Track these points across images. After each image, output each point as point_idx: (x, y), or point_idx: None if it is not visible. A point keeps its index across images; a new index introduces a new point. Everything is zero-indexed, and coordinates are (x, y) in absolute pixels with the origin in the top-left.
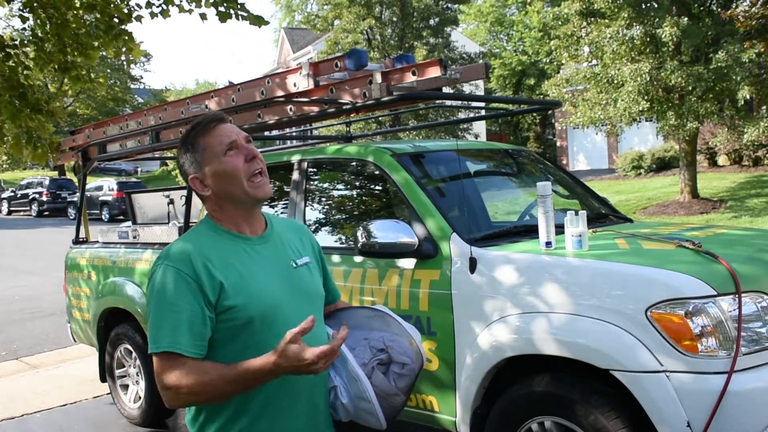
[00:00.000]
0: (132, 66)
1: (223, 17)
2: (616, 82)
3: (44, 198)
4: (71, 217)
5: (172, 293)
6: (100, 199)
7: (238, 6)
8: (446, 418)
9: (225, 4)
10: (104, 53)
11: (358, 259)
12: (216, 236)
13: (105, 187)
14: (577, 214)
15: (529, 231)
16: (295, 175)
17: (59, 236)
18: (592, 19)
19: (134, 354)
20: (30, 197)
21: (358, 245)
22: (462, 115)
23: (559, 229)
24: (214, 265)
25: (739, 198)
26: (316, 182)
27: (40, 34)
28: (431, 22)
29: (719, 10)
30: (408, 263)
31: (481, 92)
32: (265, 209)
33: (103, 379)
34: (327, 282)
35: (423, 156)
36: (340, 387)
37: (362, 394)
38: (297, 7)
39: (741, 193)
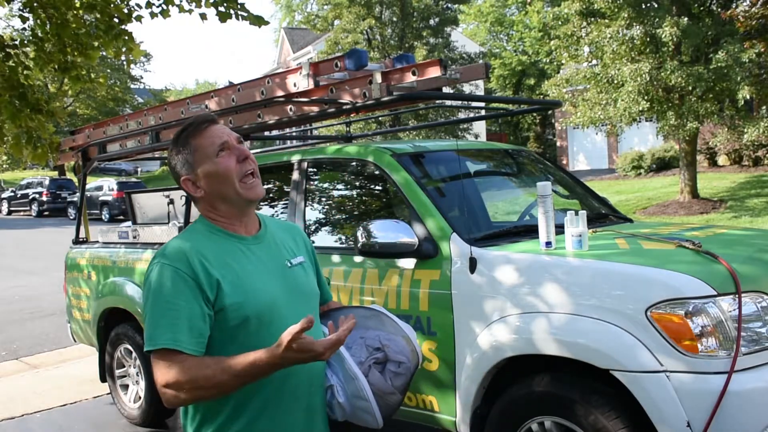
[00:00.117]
0: (132, 66)
1: (223, 17)
2: (616, 82)
3: (44, 198)
4: (71, 217)
5: (169, 291)
6: (100, 199)
7: (238, 6)
8: (446, 418)
9: (225, 4)
10: (104, 53)
11: (358, 259)
12: (211, 235)
13: (105, 187)
14: (577, 214)
15: (529, 231)
16: (295, 175)
17: (59, 236)
18: (592, 19)
19: (134, 354)
20: (30, 197)
21: (358, 245)
22: (462, 115)
23: (559, 229)
24: (211, 263)
25: (739, 198)
26: (316, 182)
27: (40, 34)
28: (431, 22)
29: (719, 10)
30: (408, 263)
31: (481, 92)
32: (265, 209)
33: (103, 379)
34: (319, 282)
35: (423, 156)
36: (336, 386)
37: (359, 393)
38: (297, 7)
39: (741, 193)
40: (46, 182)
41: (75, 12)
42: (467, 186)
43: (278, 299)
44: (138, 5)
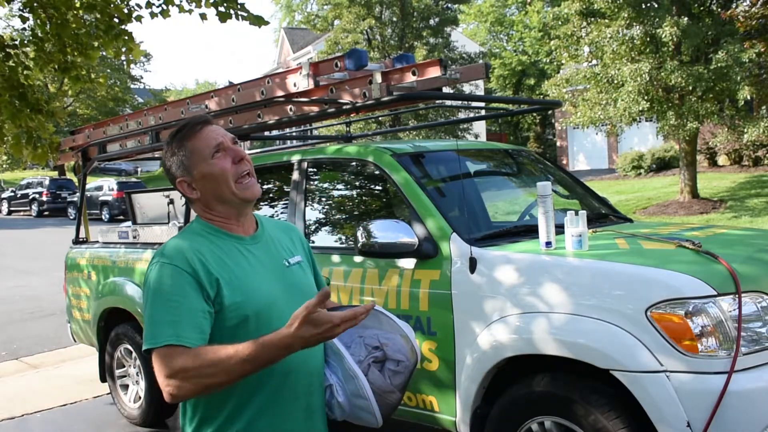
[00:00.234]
0: (132, 66)
1: (223, 17)
2: (616, 82)
3: (44, 198)
4: (71, 217)
5: (169, 288)
6: (100, 199)
7: (238, 6)
8: (446, 418)
9: (225, 4)
10: (104, 53)
11: (358, 259)
12: (209, 236)
13: (105, 187)
14: (577, 214)
15: (529, 231)
16: (295, 175)
17: (59, 236)
18: (592, 19)
19: (134, 354)
20: (30, 197)
21: (358, 245)
22: (462, 115)
23: (559, 229)
24: (210, 263)
25: (739, 198)
26: (316, 182)
27: (40, 34)
28: (431, 22)
29: (719, 10)
30: (408, 263)
31: (481, 92)
32: (265, 209)
33: (103, 379)
34: (317, 281)
35: (423, 156)
36: (335, 385)
37: (359, 392)
38: (297, 7)
39: (741, 193)
40: (46, 182)
41: (75, 12)
42: (467, 186)
43: (277, 299)
44: (138, 5)
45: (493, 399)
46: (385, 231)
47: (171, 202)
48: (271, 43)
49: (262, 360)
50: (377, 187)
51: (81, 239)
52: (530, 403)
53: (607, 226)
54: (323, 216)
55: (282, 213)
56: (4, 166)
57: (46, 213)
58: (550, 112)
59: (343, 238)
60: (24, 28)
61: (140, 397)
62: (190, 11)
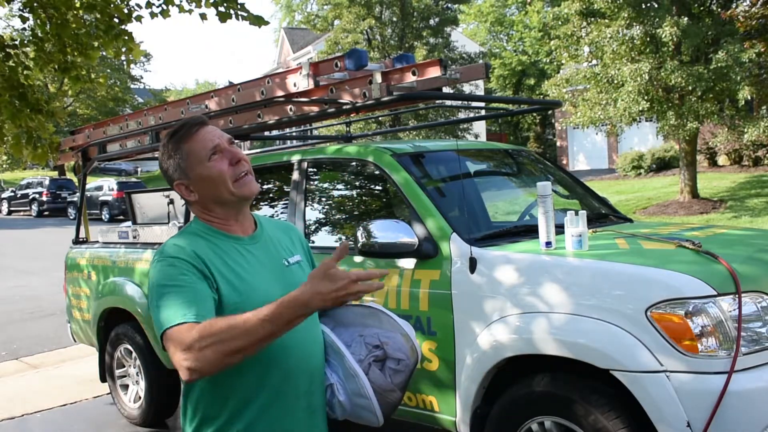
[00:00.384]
0: (132, 66)
1: (223, 17)
2: (616, 82)
3: (44, 198)
4: (71, 217)
5: (174, 278)
6: (100, 199)
7: (238, 6)
8: (446, 418)
9: (225, 4)
10: (104, 53)
11: (358, 259)
12: (208, 237)
13: (105, 187)
14: (577, 214)
15: (529, 231)
16: (295, 175)
17: (59, 236)
18: (592, 19)
19: (134, 354)
20: (30, 197)
21: (358, 245)
22: (462, 115)
23: (559, 229)
24: (209, 262)
25: (739, 198)
26: (316, 182)
27: (40, 34)
28: (431, 22)
29: (719, 10)
30: (408, 263)
31: (481, 92)
32: (265, 209)
33: (103, 379)
34: None
35: (423, 156)
36: (336, 384)
37: (359, 391)
38: (297, 7)
39: (741, 193)
40: (46, 182)
41: (75, 12)
42: (467, 186)
43: (276, 298)
44: (138, 5)
45: (493, 399)
46: (385, 231)
47: (171, 202)
48: (271, 43)
49: (282, 319)
50: (377, 187)
51: (81, 239)
52: (530, 403)
53: (607, 226)
54: (323, 216)
55: (282, 213)
56: (4, 166)
57: (46, 213)
58: (550, 112)
59: (343, 238)
60: (24, 28)
61: (140, 397)
62: (190, 11)
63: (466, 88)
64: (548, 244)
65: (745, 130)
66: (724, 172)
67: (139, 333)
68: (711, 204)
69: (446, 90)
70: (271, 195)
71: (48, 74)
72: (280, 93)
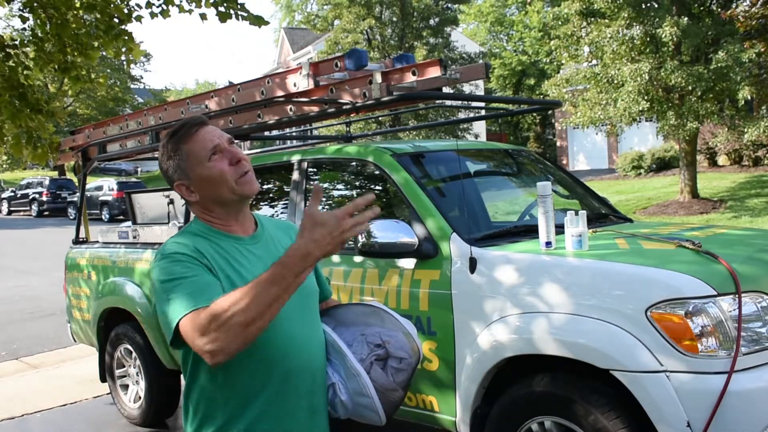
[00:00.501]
0: (132, 66)
1: (223, 17)
2: (616, 82)
3: (44, 198)
4: (71, 217)
5: (178, 273)
6: (100, 199)
7: (238, 6)
8: (446, 418)
9: (225, 4)
10: (104, 53)
11: (358, 259)
12: (208, 237)
13: (105, 187)
14: (577, 214)
15: (529, 231)
16: (295, 175)
17: (59, 236)
18: (592, 19)
19: (134, 354)
20: (30, 197)
21: (358, 245)
22: (462, 115)
23: (559, 229)
24: (210, 261)
25: (739, 198)
26: (316, 182)
27: (40, 34)
28: (431, 22)
29: (719, 10)
30: (408, 263)
31: (481, 92)
32: (265, 209)
33: (103, 379)
34: (318, 279)
35: (423, 156)
36: (338, 384)
37: (361, 390)
38: (297, 7)
39: (741, 193)
40: (46, 182)
41: (75, 12)
42: (467, 186)
43: None
44: (138, 5)
45: (493, 399)
46: (385, 231)
47: (171, 202)
48: (271, 43)
49: (288, 276)
50: (377, 187)
51: (81, 239)
52: (530, 403)
53: (607, 226)
54: None
55: (282, 213)
56: (4, 166)
57: (46, 213)
58: (550, 112)
59: None
60: (24, 28)
61: (140, 397)
62: (190, 11)
63: (466, 88)
64: (548, 244)
65: (745, 130)
66: (724, 172)
67: (139, 333)
68: (711, 204)
69: (446, 90)
70: (271, 195)
71: (48, 74)
72: (280, 93)
